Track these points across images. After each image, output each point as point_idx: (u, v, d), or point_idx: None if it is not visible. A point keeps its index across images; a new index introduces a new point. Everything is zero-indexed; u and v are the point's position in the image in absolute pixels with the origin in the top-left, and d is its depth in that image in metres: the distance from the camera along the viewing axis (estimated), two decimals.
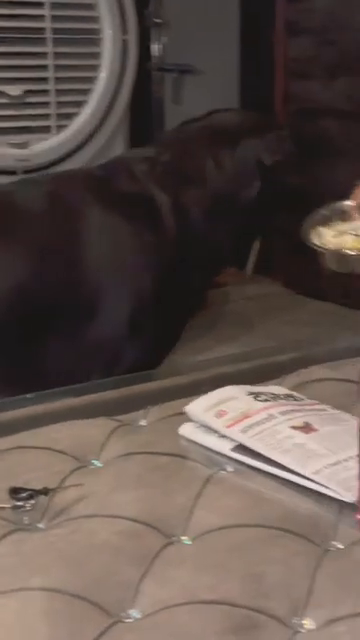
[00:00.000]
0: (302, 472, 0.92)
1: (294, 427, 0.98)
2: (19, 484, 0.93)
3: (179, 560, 0.82)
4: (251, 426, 1.00)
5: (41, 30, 2.52)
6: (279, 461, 0.94)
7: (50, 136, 2.56)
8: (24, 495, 0.91)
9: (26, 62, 2.53)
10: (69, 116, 2.59)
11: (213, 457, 1.00)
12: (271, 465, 0.95)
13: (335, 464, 0.92)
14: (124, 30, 2.59)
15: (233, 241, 1.82)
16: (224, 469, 0.98)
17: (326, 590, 0.77)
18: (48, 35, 2.52)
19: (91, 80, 2.58)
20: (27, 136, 2.53)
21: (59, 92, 2.57)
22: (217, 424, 1.02)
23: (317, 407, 1.06)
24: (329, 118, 3.69)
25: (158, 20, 3.85)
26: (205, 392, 1.17)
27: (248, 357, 1.66)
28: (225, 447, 1.00)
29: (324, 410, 1.05)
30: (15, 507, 0.91)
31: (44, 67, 2.54)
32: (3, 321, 1.63)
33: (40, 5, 2.51)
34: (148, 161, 1.77)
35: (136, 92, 2.78)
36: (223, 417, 1.02)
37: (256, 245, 1.90)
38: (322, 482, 0.90)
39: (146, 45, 3.78)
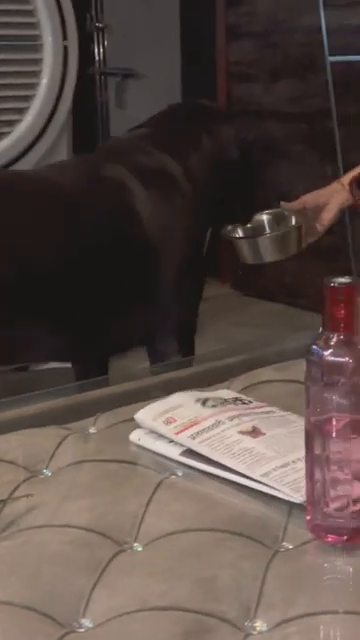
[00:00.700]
0: (251, 475, 0.93)
1: (242, 432, 0.99)
2: None
3: (130, 567, 0.82)
4: (199, 432, 1.00)
5: None
6: (228, 465, 0.95)
7: None
8: None
9: None
10: (11, 123, 2.57)
11: (163, 462, 1.01)
12: (221, 469, 0.96)
13: (283, 466, 0.93)
14: (64, 36, 2.58)
15: (230, 198, 2.05)
16: (175, 474, 0.98)
17: (277, 591, 0.78)
18: None
19: (32, 86, 2.57)
20: None
21: (0, 99, 2.55)
22: (166, 431, 1.03)
23: (265, 409, 1.07)
24: (272, 120, 3.72)
25: (99, 25, 3.85)
26: (155, 398, 1.18)
27: (198, 360, 1.67)
28: (175, 452, 1.00)
29: (272, 412, 1.06)
30: None
31: None
32: (73, 287, 1.79)
33: None
34: (150, 137, 2.00)
35: (80, 97, 2.77)
36: (172, 424, 1.03)
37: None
38: (271, 484, 0.91)
39: (88, 50, 3.78)
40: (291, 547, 0.85)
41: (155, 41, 3.99)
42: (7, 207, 1.79)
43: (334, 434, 0.83)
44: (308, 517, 0.86)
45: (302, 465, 0.88)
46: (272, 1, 3.71)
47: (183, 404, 1.06)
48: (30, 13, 2.54)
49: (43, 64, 2.56)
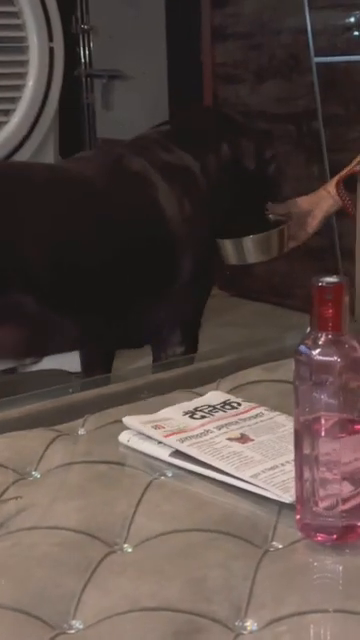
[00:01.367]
0: (240, 476, 0.93)
1: (230, 439, 1.00)
2: None
3: (121, 568, 0.82)
4: (188, 438, 1.01)
5: None
6: (217, 466, 0.95)
7: None
8: None
9: None
10: None
11: (153, 463, 1.01)
12: (210, 469, 0.96)
13: (272, 468, 0.93)
14: (50, 37, 2.57)
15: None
16: (164, 474, 0.98)
17: (267, 591, 0.78)
18: None
19: (18, 88, 2.56)
20: None
21: None
22: (155, 433, 1.03)
23: (254, 412, 1.07)
24: (258, 121, 3.72)
25: (85, 26, 3.85)
26: (144, 398, 1.18)
27: (186, 361, 1.67)
28: (164, 453, 1.01)
29: (261, 415, 1.06)
30: None
31: None
32: (99, 278, 1.81)
33: None
34: (174, 135, 2.04)
35: (66, 98, 2.76)
36: (160, 429, 1.03)
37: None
38: (260, 484, 0.91)
39: (74, 51, 3.78)
40: (281, 546, 0.85)
41: (141, 43, 3.99)
42: (42, 197, 1.82)
43: (323, 433, 0.83)
44: (298, 516, 0.86)
45: (291, 467, 0.88)
46: (258, 2, 3.72)
47: (171, 417, 1.07)
48: (15, 15, 2.53)
49: (29, 66, 2.55)
